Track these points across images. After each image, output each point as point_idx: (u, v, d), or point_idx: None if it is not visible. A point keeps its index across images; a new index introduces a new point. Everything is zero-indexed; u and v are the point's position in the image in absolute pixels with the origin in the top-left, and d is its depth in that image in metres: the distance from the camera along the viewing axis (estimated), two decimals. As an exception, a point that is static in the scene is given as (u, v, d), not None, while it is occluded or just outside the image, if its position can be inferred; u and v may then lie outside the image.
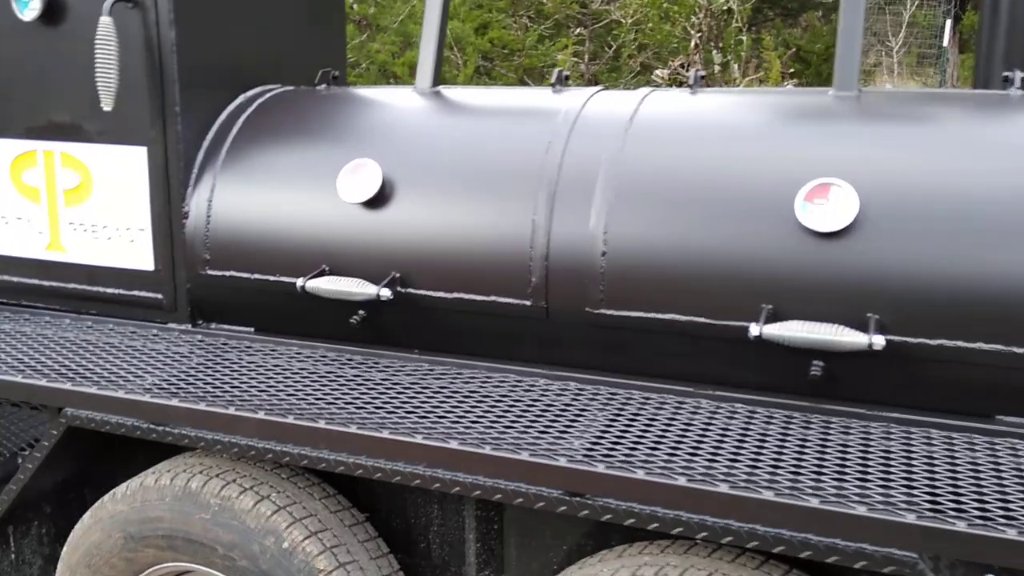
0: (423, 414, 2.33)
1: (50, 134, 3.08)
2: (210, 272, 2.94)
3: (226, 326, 3.04)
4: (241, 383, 2.57)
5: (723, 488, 1.93)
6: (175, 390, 2.52)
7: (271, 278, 2.85)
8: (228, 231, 2.91)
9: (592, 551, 2.40)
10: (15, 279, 3.24)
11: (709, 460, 2.06)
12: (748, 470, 2.00)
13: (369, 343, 2.83)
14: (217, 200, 2.93)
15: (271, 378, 2.61)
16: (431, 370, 2.65)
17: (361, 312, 2.74)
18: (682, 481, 1.96)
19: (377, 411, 2.35)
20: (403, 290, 2.66)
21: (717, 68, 11.20)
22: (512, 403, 2.40)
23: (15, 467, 3.21)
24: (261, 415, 2.33)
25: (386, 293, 2.61)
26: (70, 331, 3.07)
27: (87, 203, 3.08)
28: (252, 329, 3.01)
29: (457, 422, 2.27)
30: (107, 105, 2.82)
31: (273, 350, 2.86)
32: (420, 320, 2.71)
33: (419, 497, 2.64)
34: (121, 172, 3.00)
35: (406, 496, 2.63)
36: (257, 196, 2.90)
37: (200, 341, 2.95)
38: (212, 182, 2.95)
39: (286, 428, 2.30)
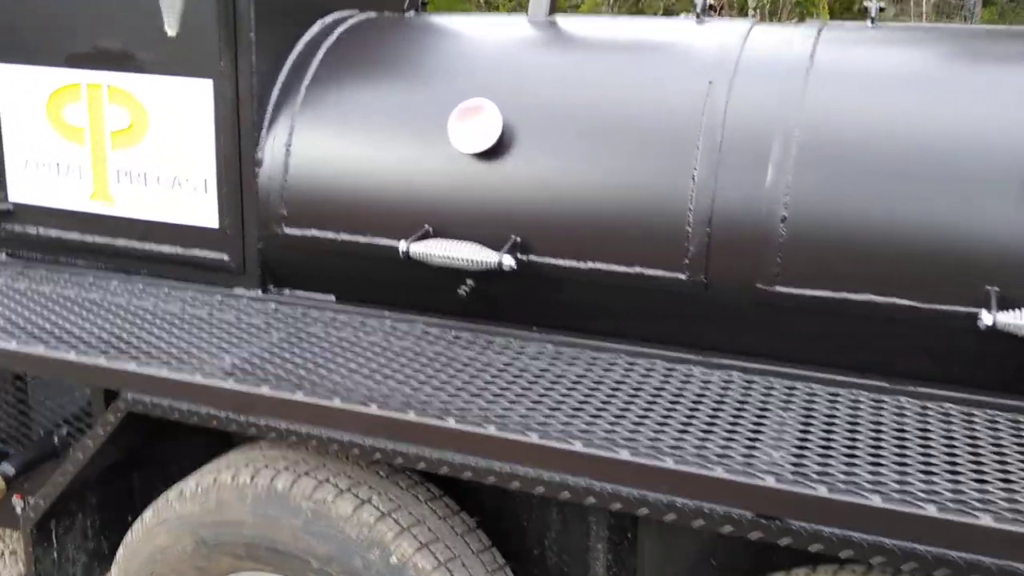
0: (570, 412, 1.92)
1: (97, 63, 2.62)
2: (287, 231, 2.51)
3: (301, 292, 2.62)
4: (336, 366, 2.15)
5: (987, 520, 1.53)
6: (260, 374, 2.10)
7: (362, 239, 2.42)
8: (310, 183, 2.47)
9: (752, 568, 2.02)
10: (53, 233, 2.81)
11: (952, 480, 1.66)
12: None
13: (475, 317, 2.41)
14: (297, 146, 2.49)
15: (370, 360, 2.19)
16: (559, 354, 2.24)
17: (470, 282, 2.33)
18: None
19: (512, 406, 1.94)
20: (525, 257, 2.24)
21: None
22: (673, 400, 1.99)
23: (52, 446, 2.82)
24: (375, 409, 1.92)
25: (508, 261, 2.19)
26: (120, 295, 2.64)
27: (139, 146, 2.63)
28: (333, 297, 2.59)
29: (616, 424, 1.86)
30: (171, 28, 2.38)
31: (363, 323, 2.44)
32: (544, 293, 2.29)
33: (534, 498, 2.25)
34: (182, 110, 2.56)
35: (516, 496, 2.24)
36: (345, 142, 2.46)
37: (275, 311, 2.53)
38: (290, 124, 2.51)
39: (407, 427, 1.89)
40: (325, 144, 2.47)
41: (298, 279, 2.61)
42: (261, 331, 2.38)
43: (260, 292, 2.62)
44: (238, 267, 2.61)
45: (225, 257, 2.61)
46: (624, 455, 1.73)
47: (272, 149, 2.51)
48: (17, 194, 2.83)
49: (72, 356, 2.20)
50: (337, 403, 1.95)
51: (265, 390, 2.01)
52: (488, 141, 2.24)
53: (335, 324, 2.44)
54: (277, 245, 2.55)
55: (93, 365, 2.17)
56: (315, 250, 2.50)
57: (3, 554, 3.91)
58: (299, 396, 1.98)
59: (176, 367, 2.12)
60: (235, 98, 2.50)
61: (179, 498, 2.29)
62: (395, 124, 2.40)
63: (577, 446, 1.76)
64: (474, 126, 2.26)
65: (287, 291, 2.63)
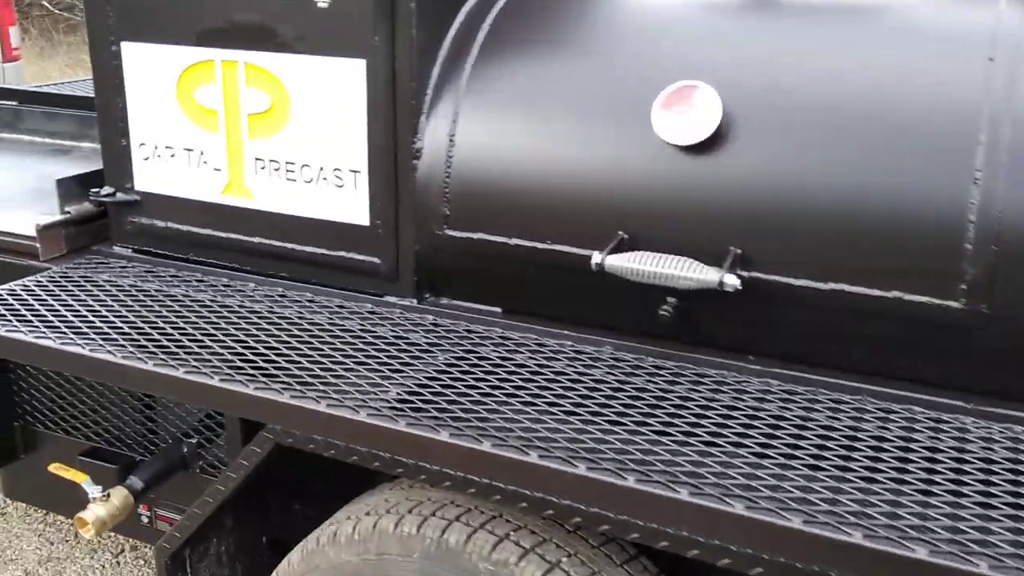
0: (828, 482, 1.53)
1: (233, 40, 2.31)
2: (449, 232, 2.16)
3: (461, 303, 2.28)
4: (520, 403, 1.81)
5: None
6: (433, 411, 1.77)
7: (539, 246, 2.06)
8: (478, 178, 2.12)
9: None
10: (183, 228, 2.52)
11: None
12: None
13: (672, 340, 2.03)
14: (463, 134, 2.13)
15: (560, 396, 1.84)
16: (790, 395, 1.84)
17: (672, 300, 1.95)
18: None
19: (753, 470, 1.56)
20: (748, 275, 1.85)
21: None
22: (954, 467, 1.58)
23: (180, 456, 2.56)
24: (583, 471, 1.57)
25: (732, 281, 1.80)
26: (258, 301, 2.34)
27: (281, 133, 2.32)
28: (498, 310, 2.24)
29: (895, 505, 1.47)
30: (322, 1, 2.04)
31: (542, 345, 2.08)
32: (767, 317, 1.89)
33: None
34: (330, 93, 2.22)
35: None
36: (520, 130, 2.09)
37: (435, 325, 2.19)
38: (454, 108, 2.15)
39: (626, 495, 1.53)
40: (496, 133, 2.11)
41: (458, 288, 2.27)
42: (423, 351, 2.05)
43: (415, 301, 2.29)
44: (390, 272, 2.28)
45: (376, 260, 2.29)
46: (922, 554, 1.34)
47: (433, 138, 2.16)
48: (144, 183, 2.55)
49: (215, 382, 1.90)
50: (535, 459, 1.61)
51: (445, 436, 1.68)
52: (704, 132, 1.85)
53: (508, 345, 2.09)
54: (436, 247, 2.21)
55: (241, 394, 1.87)
56: (481, 255, 2.15)
57: (123, 551, 3.75)
58: (487, 447, 1.64)
59: (336, 401, 1.80)
60: (391, 79, 2.15)
61: (332, 543, 1.99)
62: (582, 110, 2.02)
63: (857, 538, 1.38)
64: (686, 113, 1.86)
65: (444, 300, 2.29)
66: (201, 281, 2.48)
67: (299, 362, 1.99)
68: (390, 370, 1.96)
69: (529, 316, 2.19)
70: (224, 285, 2.45)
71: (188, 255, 2.56)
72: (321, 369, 1.96)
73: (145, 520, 2.78)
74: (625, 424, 1.72)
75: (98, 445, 2.71)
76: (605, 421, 1.74)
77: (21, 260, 2.65)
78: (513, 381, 1.90)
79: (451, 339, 2.12)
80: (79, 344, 2.07)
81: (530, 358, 2.01)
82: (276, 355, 2.02)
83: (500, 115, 2.11)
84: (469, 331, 2.16)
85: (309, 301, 2.35)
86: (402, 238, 2.24)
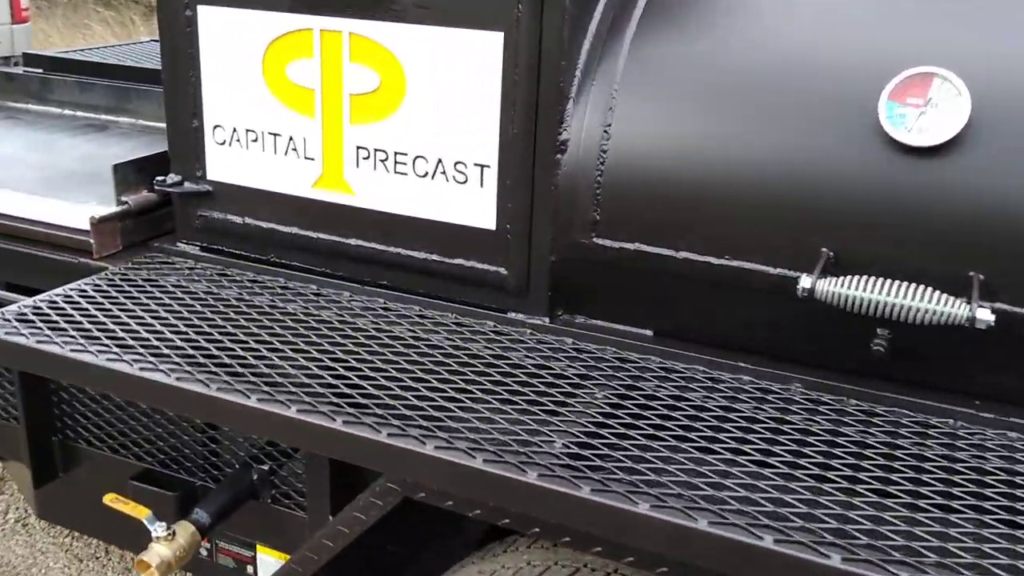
0: None
1: (337, 6, 1.95)
2: (597, 241, 1.82)
3: (602, 323, 1.93)
4: (720, 459, 1.47)
5: None
6: (613, 468, 1.43)
7: (717, 262, 1.72)
8: (640, 177, 1.77)
9: None
10: (264, 225, 2.17)
11: None
12: None
13: (875, 378, 1.69)
14: (621, 123, 1.78)
15: (768, 450, 1.50)
16: (1047, 451, 1.51)
17: (885, 333, 1.61)
18: None
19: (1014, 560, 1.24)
20: (1001, 308, 1.51)
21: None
22: None
23: (249, 484, 2.22)
24: (838, 562, 1.23)
25: (985, 316, 1.46)
26: (358, 315, 2.00)
27: (391, 118, 1.96)
28: (649, 332, 1.90)
29: None
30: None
31: (715, 380, 1.74)
32: (1015, 358, 1.56)
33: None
34: (456, 71, 1.87)
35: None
36: (697, 120, 1.74)
37: (579, 351, 1.85)
38: (608, 93, 1.80)
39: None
40: (664, 123, 1.76)
41: (601, 305, 1.92)
42: (574, 385, 1.71)
43: (547, 320, 1.94)
44: (519, 284, 1.94)
45: (502, 271, 1.94)
46: None
47: (582, 128, 1.81)
48: (219, 172, 2.20)
49: (337, 425, 1.56)
50: (769, 544, 1.27)
51: (646, 509, 1.34)
52: (947, 131, 1.50)
53: (674, 379, 1.74)
54: (578, 259, 1.86)
55: (367, 441, 1.53)
56: (635, 270, 1.81)
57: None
58: (704, 526, 1.30)
59: (493, 455, 1.46)
60: (535, 56, 1.79)
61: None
62: (780, 97, 1.67)
63: None
64: (923, 107, 1.52)
65: (580, 319, 1.95)
66: (287, 288, 2.13)
67: (425, 396, 1.64)
68: (542, 410, 1.62)
69: (687, 341, 1.85)
70: (314, 294, 2.11)
71: (269, 256, 2.21)
72: (457, 407, 1.61)
73: (204, 553, 2.45)
74: (862, 494, 1.39)
75: (151, 467, 2.37)
76: (836, 489, 1.40)
77: (70, 257, 2.30)
78: (699, 429, 1.56)
79: (603, 370, 1.78)
80: (157, 369, 1.72)
81: (707, 397, 1.67)
82: (391, 383, 1.67)
83: (669, 102, 1.76)
84: (622, 359, 1.82)
85: (419, 316, 2.00)
86: (536, 246, 1.90)
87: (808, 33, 1.71)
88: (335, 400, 1.61)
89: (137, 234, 2.37)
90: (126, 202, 2.31)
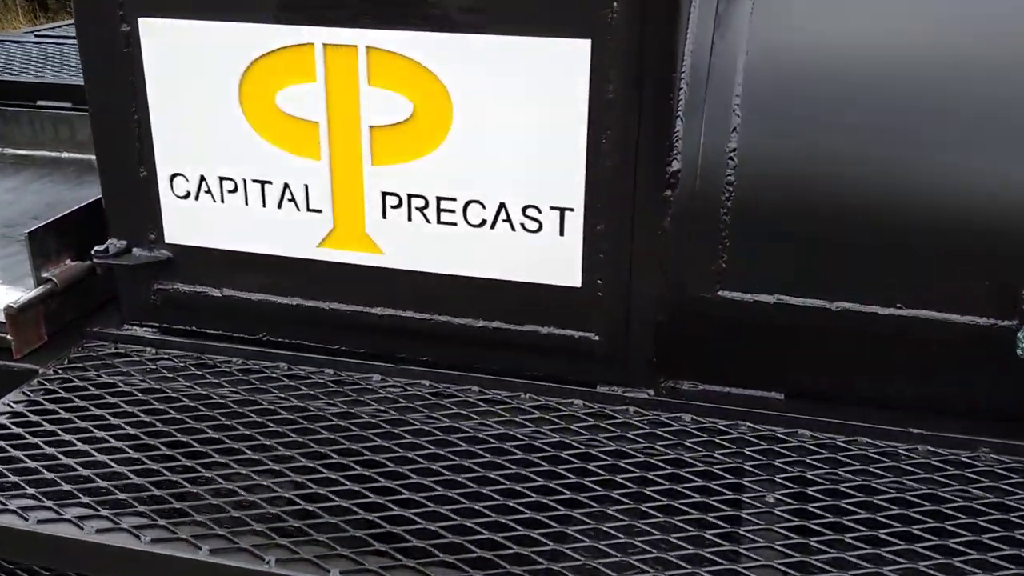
0: None
1: (347, 12, 1.47)
2: (724, 294, 1.45)
3: (716, 388, 1.57)
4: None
5: None
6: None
7: (890, 312, 1.39)
8: (782, 213, 1.41)
9: None
10: (254, 296, 1.68)
11: None
12: None
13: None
14: (748, 147, 1.41)
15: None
16: None
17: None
18: None
19: None
20: None
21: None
22: None
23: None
24: None
25: None
26: (407, 407, 1.56)
27: (432, 156, 1.51)
28: (779, 395, 1.55)
29: None
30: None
31: (892, 455, 1.42)
32: None
33: None
34: (521, 93, 1.44)
35: None
36: (857, 138, 1.38)
37: (708, 434, 1.49)
38: (727, 107, 1.42)
39: None
40: (808, 145, 1.40)
41: (717, 368, 1.56)
42: (731, 486, 1.35)
43: (650, 392, 1.56)
44: (614, 352, 1.55)
45: (591, 336, 1.54)
46: None
47: (698, 156, 1.43)
48: (182, 233, 1.68)
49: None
50: None
51: None
52: None
53: (843, 459, 1.41)
54: (694, 317, 1.49)
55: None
56: (772, 325, 1.46)
57: None
58: None
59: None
60: (636, 68, 1.39)
61: None
62: (969, 106, 1.35)
63: None
64: None
65: (687, 386, 1.58)
66: (292, 376, 1.65)
67: (525, 518, 1.24)
68: (715, 533, 1.25)
69: (826, 402, 1.52)
70: (332, 381, 1.64)
71: (260, 335, 1.72)
72: (608, 544, 1.22)
73: None
74: None
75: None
76: None
77: (-23, 359, 1.73)
78: (955, 533, 1.23)
79: (753, 457, 1.42)
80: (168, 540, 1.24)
81: (896, 483, 1.35)
82: (490, 513, 1.27)
83: (816, 116, 1.40)
84: (766, 438, 1.47)
85: (482, 401, 1.58)
86: (636, 304, 1.51)
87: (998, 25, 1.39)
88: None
89: (63, 317, 1.82)
90: (50, 280, 1.75)
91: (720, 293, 1.46)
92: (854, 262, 1.40)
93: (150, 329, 1.77)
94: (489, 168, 1.49)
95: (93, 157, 2.54)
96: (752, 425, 1.50)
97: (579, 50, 1.40)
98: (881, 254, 1.39)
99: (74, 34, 3.39)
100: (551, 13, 1.39)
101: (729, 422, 1.51)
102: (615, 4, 1.36)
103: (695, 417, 1.53)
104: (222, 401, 1.58)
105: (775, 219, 1.42)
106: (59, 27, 4.04)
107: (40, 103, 2.75)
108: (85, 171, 2.55)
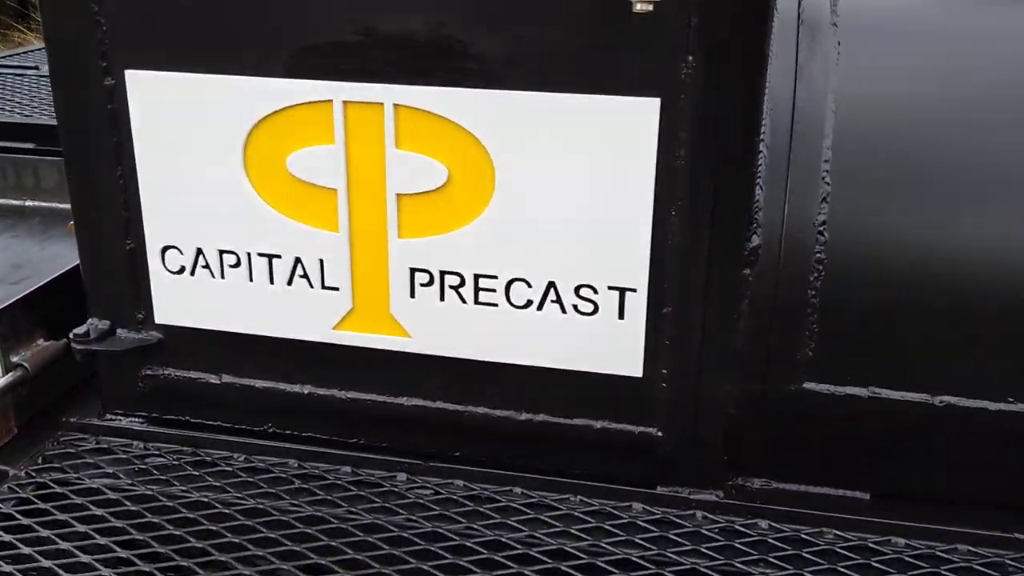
0: None
1: (372, 65, 1.27)
2: (811, 387, 1.27)
3: (790, 487, 1.38)
4: None
5: None
6: None
7: (1000, 407, 1.21)
8: (882, 297, 1.23)
9: None
10: (259, 384, 1.47)
11: None
12: None
13: None
14: (841, 220, 1.23)
15: None
16: None
17: None
18: None
19: None
20: None
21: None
22: None
23: None
24: None
25: None
26: (441, 515, 1.35)
27: (470, 227, 1.31)
28: (865, 495, 1.37)
29: None
30: (642, 3, 1.07)
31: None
32: None
33: None
34: (577, 157, 1.24)
35: None
36: (977, 209, 1.21)
37: (792, 545, 1.30)
38: (815, 174, 1.24)
39: None
40: (914, 217, 1.22)
41: (792, 466, 1.37)
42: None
43: (719, 493, 1.37)
44: (679, 449, 1.35)
45: (652, 431, 1.35)
46: None
47: (781, 230, 1.25)
48: (174, 313, 1.46)
49: None
50: None
51: None
52: None
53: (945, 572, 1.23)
54: (774, 410, 1.30)
55: None
56: (864, 419, 1.28)
57: None
58: None
59: None
60: (711, 130, 1.20)
61: None
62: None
63: None
64: None
65: (757, 484, 1.39)
66: (305, 476, 1.44)
67: None
68: None
69: (916, 502, 1.34)
70: (352, 482, 1.43)
71: (265, 427, 1.50)
72: None
73: None
74: None
75: None
76: None
77: (-64, 458, 1.50)
78: None
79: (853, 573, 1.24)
80: None
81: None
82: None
83: (921, 182, 1.22)
84: (859, 548, 1.28)
85: (527, 506, 1.38)
86: (705, 397, 1.32)
87: None
88: None
89: (34, 405, 1.59)
90: (21, 365, 1.52)
91: (805, 385, 1.27)
92: (961, 351, 1.23)
93: (136, 420, 1.55)
94: (536, 242, 1.30)
95: (61, 205, 2.39)
96: (839, 533, 1.32)
97: (647, 110, 1.21)
98: (991, 342, 1.22)
99: (33, 63, 3.14)
100: (614, 67, 1.20)
101: (813, 530, 1.32)
102: (690, 58, 1.17)
103: (773, 524, 1.34)
104: (227, 511, 1.36)
105: (871, 302, 1.23)
106: (17, 54, 3.73)
107: (-3, 144, 2.51)
108: (52, 223, 2.31)
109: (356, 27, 1.25)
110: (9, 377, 1.51)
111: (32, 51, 3.48)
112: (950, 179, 1.22)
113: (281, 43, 1.28)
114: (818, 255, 1.24)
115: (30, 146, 2.47)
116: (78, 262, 1.60)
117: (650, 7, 1.08)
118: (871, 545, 1.30)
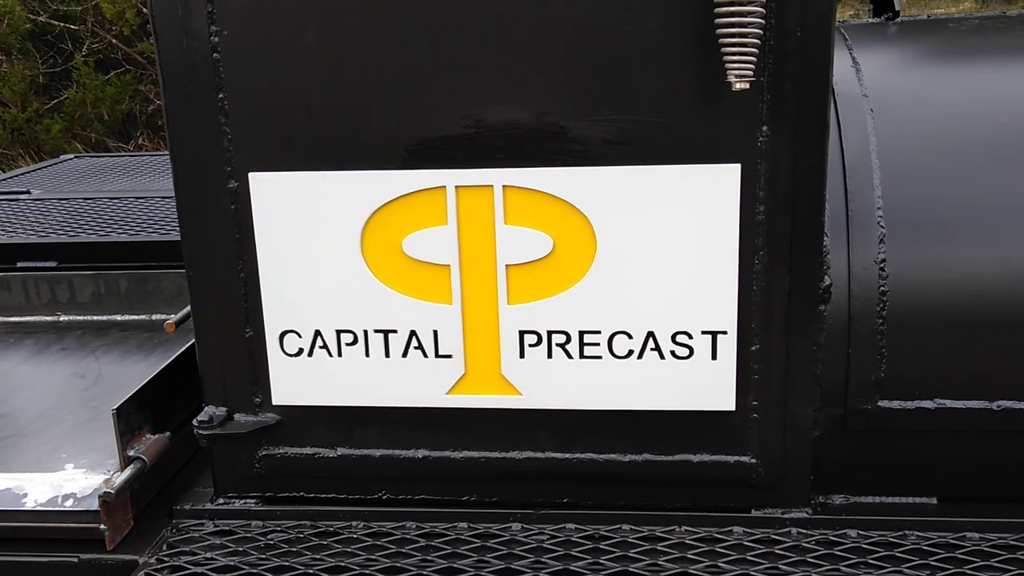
0: None
1: (482, 153, 1.44)
2: (884, 404, 1.45)
3: (869, 499, 1.55)
4: None
5: None
6: None
7: (1050, 406, 1.42)
8: (938, 319, 1.43)
9: None
10: (376, 453, 1.58)
11: None
12: None
13: None
14: (898, 258, 1.44)
15: None
16: None
17: None
18: None
19: None
20: None
21: None
22: None
23: None
24: None
25: None
26: (563, 556, 1.47)
27: (574, 290, 1.47)
28: (933, 500, 1.55)
29: None
30: (741, 82, 1.27)
31: (1076, 549, 1.43)
32: None
33: None
34: (670, 220, 1.43)
35: None
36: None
37: (880, 548, 1.46)
38: (870, 217, 1.45)
39: None
40: (958, 248, 1.44)
41: (867, 478, 1.55)
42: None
43: (808, 511, 1.53)
44: (771, 475, 1.52)
45: (746, 459, 1.51)
46: None
47: (847, 269, 1.45)
48: (292, 394, 1.58)
49: None
50: None
51: None
52: None
53: (1030, 559, 1.41)
54: (852, 429, 1.49)
55: None
56: (926, 429, 1.47)
57: None
58: None
59: None
60: (789, 189, 1.41)
61: None
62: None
63: None
64: None
65: (839, 500, 1.56)
66: (426, 535, 1.54)
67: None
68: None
69: (977, 502, 1.53)
70: (472, 536, 1.54)
71: (380, 494, 1.61)
72: None
73: None
74: None
75: None
76: None
77: (61, 556, 1.55)
78: None
79: (944, 568, 1.40)
80: None
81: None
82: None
83: (960, 217, 1.44)
84: (943, 544, 1.45)
85: (641, 539, 1.51)
86: (792, 423, 1.49)
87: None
88: None
89: (146, 496, 1.67)
90: (139, 459, 1.60)
91: (880, 403, 1.46)
92: (1011, 359, 1.43)
93: (252, 500, 1.64)
94: (635, 297, 1.47)
95: (96, 318, 2.46)
96: (920, 534, 1.49)
97: (728, 175, 1.41)
98: (1034, 350, 1.43)
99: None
100: (700, 140, 1.40)
101: (897, 533, 1.49)
102: (764, 128, 1.38)
103: (860, 532, 1.50)
104: (365, 572, 1.46)
105: (931, 324, 1.44)
106: (7, 178, 3.69)
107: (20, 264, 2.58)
108: (92, 334, 2.39)
109: (467, 120, 1.43)
110: (129, 470, 1.59)
111: (20, 175, 3.53)
112: (982, 210, 1.45)
113: (398, 139, 1.45)
114: (882, 288, 1.44)
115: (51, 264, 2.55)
116: (166, 363, 1.72)
117: (747, 86, 1.29)
118: (951, 541, 1.47)
